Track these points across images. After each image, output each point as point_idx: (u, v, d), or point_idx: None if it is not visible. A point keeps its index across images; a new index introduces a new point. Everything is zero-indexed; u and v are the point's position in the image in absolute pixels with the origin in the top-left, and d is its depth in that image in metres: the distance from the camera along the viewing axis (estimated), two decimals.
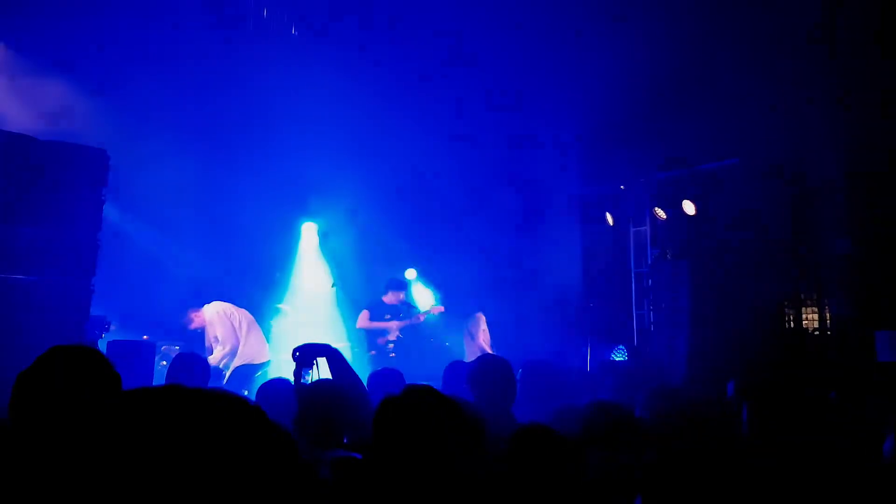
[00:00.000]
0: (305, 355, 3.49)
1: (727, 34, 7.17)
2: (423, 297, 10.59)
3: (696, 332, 8.96)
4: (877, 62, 6.78)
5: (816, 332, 8.54)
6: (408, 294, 9.58)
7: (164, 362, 7.35)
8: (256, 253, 9.95)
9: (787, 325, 8.73)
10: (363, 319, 9.10)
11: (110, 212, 5.67)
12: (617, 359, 9.63)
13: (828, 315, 8.44)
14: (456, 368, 4.25)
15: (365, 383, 3.93)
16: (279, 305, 9.78)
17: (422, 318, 9.28)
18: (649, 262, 10.45)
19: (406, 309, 9.32)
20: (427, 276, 11.17)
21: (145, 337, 7.68)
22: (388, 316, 9.06)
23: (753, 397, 2.75)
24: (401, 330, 9.09)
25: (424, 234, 11.13)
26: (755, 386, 2.81)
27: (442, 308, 9.43)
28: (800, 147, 7.87)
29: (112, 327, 7.66)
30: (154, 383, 6.26)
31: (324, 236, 10.86)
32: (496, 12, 7.52)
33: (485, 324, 9.68)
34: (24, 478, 1.34)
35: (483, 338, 9.53)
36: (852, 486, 2.46)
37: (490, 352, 9.22)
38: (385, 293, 9.18)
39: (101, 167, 5.53)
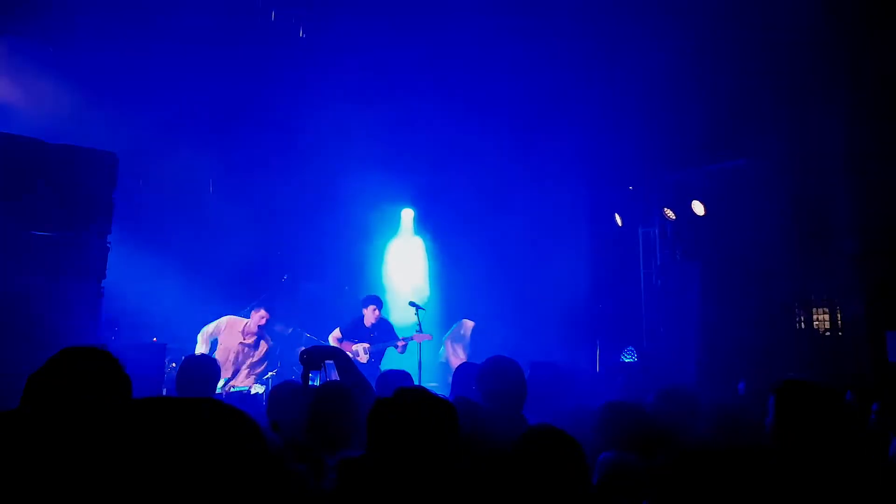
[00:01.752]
0: (313, 358, 3.48)
1: (736, 35, 7.14)
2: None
3: (705, 333, 8.93)
4: (886, 58, 6.74)
5: (828, 333, 8.49)
6: (384, 312, 8.63)
7: (174, 364, 7.37)
8: (266, 254, 9.97)
9: (798, 326, 8.68)
10: (332, 338, 8.44)
11: (119, 213, 5.67)
12: (626, 360, 9.60)
13: (839, 316, 8.39)
14: (465, 371, 4.23)
15: (374, 384, 3.93)
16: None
17: (401, 347, 8.32)
18: (658, 263, 10.42)
19: (383, 330, 8.50)
20: (433, 279, 11.18)
21: (154, 339, 7.70)
22: (356, 340, 8.30)
23: (783, 396, 2.72)
24: (372, 353, 8.30)
25: (431, 236, 11.14)
26: (785, 386, 2.77)
27: (429, 336, 8.33)
28: (809, 147, 7.83)
29: (121, 329, 7.69)
30: (164, 385, 6.30)
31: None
32: (503, 14, 7.51)
33: (468, 331, 9.55)
34: (33, 477, 1.34)
35: (457, 345, 9.42)
36: (860, 486, 2.44)
37: (462, 359, 9.11)
38: (362, 310, 8.50)
39: (111, 170, 5.55)
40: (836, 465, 2.40)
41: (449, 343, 9.64)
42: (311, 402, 3.17)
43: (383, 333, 8.50)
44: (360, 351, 8.30)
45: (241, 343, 7.82)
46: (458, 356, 9.41)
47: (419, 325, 8.16)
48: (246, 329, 7.85)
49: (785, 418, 2.61)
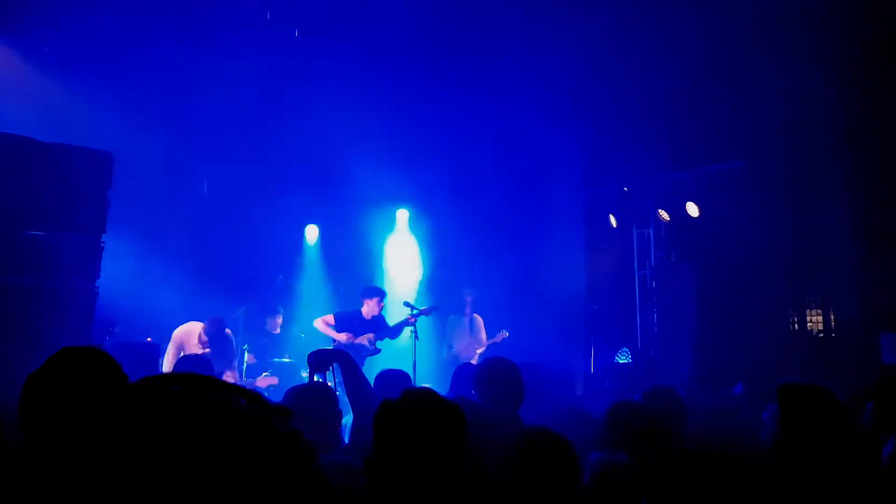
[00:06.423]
0: (319, 360, 3.52)
1: (732, 36, 7.16)
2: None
3: (700, 334, 8.94)
4: (883, 62, 6.77)
5: (821, 335, 8.52)
6: (384, 308, 8.28)
7: None
8: (261, 254, 9.96)
9: (791, 328, 8.71)
10: (321, 321, 8.08)
11: (114, 213, 5.65)
12: (621, 361, 9.62)
13: (832, 317, 8.42)
14: (464, 371, 4.24)
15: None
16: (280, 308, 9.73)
17: (414, 318, 7.90)
18: (653, 264, 10.43)
19: (380, 327, 8.18)
20: (429, 278, 11.16)
21: (149, 339, 7.68)
22: (353, 332, 7.94)
23: (787, 400, 2.73)
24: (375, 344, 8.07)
25: (427, 236, 11.13)
26: (789, 390, 2.78)
27: (436, 307, 8.35)
28: (804, 148, 7.86)
29: (115, 329, 7.68)
30: None
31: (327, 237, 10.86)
32: (502, 15, 7.52)
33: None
34: (34, 479, 1.34)
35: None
36: (853, 489, 2.46)
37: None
38: (361, 304, 8.14)
39: (107, 170, 5.53)
40: (833, 468, 2.42)
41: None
42: (290, 403, 3.17)
43: (380, 330, 8.18)
44: (364, 342, 8.01)
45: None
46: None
47: (414, 329, 7.98)
48: (200, 338, 7.36)
49: (790, 422, 2.62)
